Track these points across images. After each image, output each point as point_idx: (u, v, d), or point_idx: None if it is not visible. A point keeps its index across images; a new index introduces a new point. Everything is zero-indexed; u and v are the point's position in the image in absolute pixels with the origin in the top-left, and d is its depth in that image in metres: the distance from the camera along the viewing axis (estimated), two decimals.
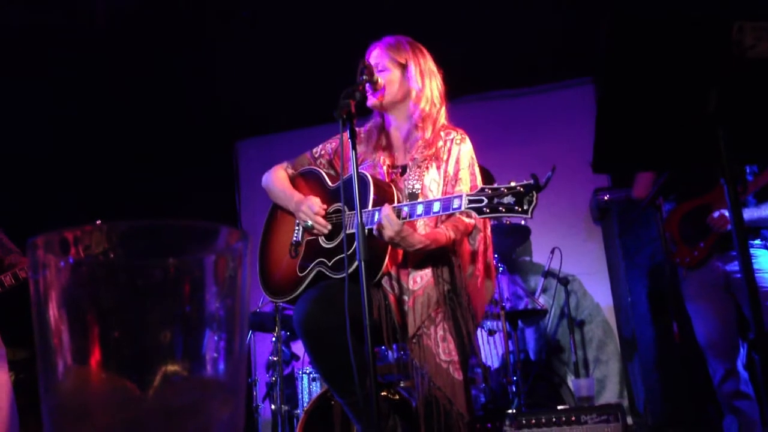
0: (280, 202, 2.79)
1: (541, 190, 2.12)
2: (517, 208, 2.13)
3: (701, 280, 3.56)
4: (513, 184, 2.17)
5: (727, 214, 3.41)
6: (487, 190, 2.19)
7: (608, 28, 1.72)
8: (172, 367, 0.63)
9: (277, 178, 2.82)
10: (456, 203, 2.25)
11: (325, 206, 2.62)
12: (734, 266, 3.46)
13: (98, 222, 0.65)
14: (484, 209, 2.18)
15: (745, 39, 1.68)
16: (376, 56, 2.67)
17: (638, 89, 1.78)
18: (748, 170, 3.53)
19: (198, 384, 0.64)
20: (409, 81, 2.66)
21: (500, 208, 2.15)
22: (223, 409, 0.65)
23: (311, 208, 2.59)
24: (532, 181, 2.14)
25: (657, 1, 2.72)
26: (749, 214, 3.39)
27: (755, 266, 3.40)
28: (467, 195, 2.23)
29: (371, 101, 2.69)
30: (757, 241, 3.48)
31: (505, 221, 4.84)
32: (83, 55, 4.74)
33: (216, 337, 0.66)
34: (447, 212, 2.31)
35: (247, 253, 0.71)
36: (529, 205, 2.13)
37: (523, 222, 2.12)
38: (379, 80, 2.63)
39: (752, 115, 1.78)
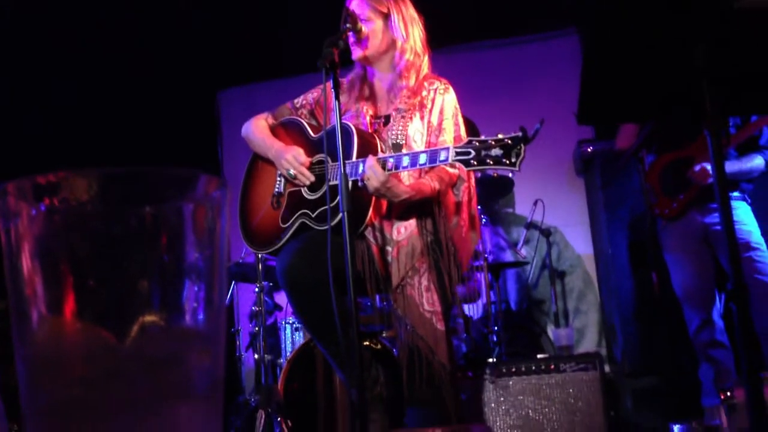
0: (260, 151, 2.75)
1: (529, 143, 2.11)
2: (504, 160, 2.12)
3: (679, 231, 3.60)
4: (501, 136, 2.16)
5: (708, 167, 3.42)
6: (474, 142, 2.18)
7: None
8: (149, 317, 0.62)
9: (258, 127, 2.78)
10: (443, 155, 2.24)
11: (309, 158, 2.59)
12: (712, 218, 3.49)
13: (73, 168, 0.63)
14: (472, 161, 2.17)
15: None
16: (356, 6, 2.61)
17: (624, 40, 1.76)
18: (731, 123, 3.53)
19: (176, 334, 0.63)
20: (393, 31, 2.62)
21: (488, 161, 2.14)
22: (202, 359, 0.64)
23: (297, 158, 2.56)
24: (520, 134, 2.12)
25: None
26: (730, 166, 3.41)
27: (734, 218, 3.43)
28: (454, 147, 2.22)
29: (356, 54, 2.64)
30: (736, 193, 3.50)
31: (492, 173, 4.83)
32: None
33: (195, 287, 0.65)
34: (433, 164, 2.30)
35: (226, 202, 0.69)
36: (517, 157, 2.12)
37: (510, 174, 2.12)
38: (363, 28, 2.58)
39: (738, 67, 1.77)
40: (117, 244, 0.61)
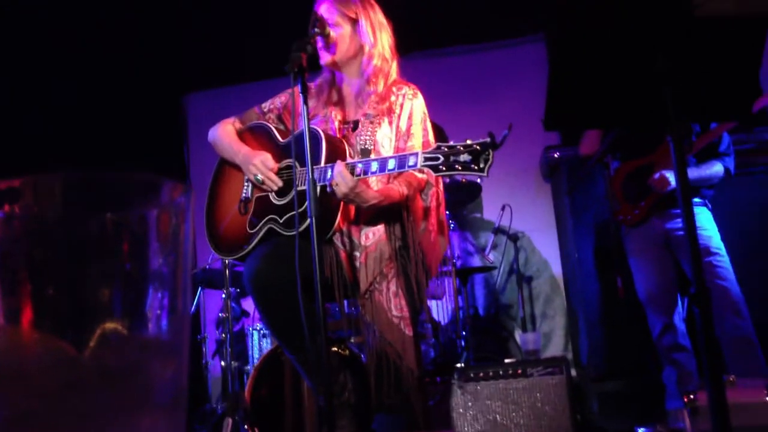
0: (227, 156, 2.72)
1: (498, 149, 2.12)
2: (473, 166, 2.13)
3: (642, 236, 3.65)
4: (469, 142, 2.16)
5: (667, 175, 3.47)
6: (443, 147, 2.18)
7: None
8: (110, 326, 0.61)
9: (225, 132, 2.75)
10: (412, 161, 2.23)
11: (276, 163, 2.58)
12: (673, 224, 3.55)
13: (32, 174, 0.62)
14: (440, 167, 2.17)
15: None
16: (325, 11, 2.61)
17: (588, 47, 1.78)
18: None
19: (138, 343, 0.61)
20: (361, 36, 2.61)
21: (456, 166, 2.15)
22: (164, 369, 0.63)
23: (264, 163, 2.54)
24: (488, 140, 2.13)
25: None
26: (690, 173, 3.44)
27: (698, 224, 3.49)
28: (423, 153, 2.21)
29: (324, 59, 2.64)
30: (697, 199, 3.56)
31: (460, 179, 4.86)
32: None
33: (158, 295, 0.64)
34: (402, 170, 2.29)
35: (190, 208, 0.68)
36: (485, 163, 2.12)
37: (479, 180, 2.12)
38: (331, 33, 2.57)
39: (698, 74, 1.80)
40: (78, 251, 0.60)
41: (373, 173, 2.34)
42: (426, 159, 2.20)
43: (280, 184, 2.54)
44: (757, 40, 1.75)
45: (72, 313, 0.60)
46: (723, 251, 3.46)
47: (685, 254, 3.39)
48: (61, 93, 5.48)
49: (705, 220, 3.54)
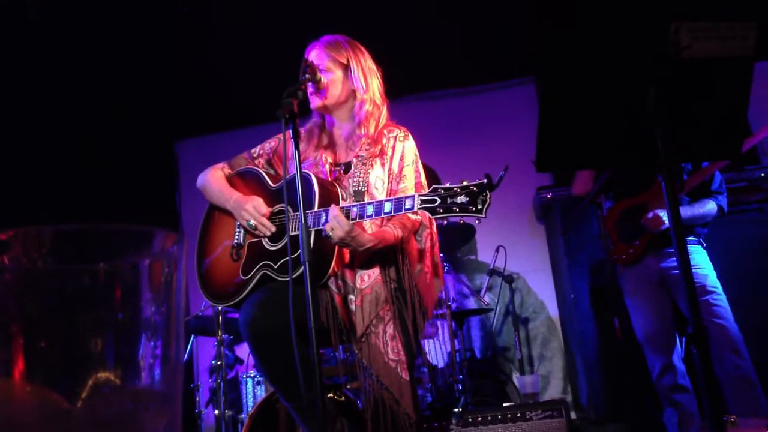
0: (217, 201, 2.72)
1: (494, 189, 2.12)
2: (471, 207, 2.12)
3: (637, 276, 3.64)
4: (466, 183, 2.16)
5: (660, 214, 3.49)
6: (440, 189, 2.18)
7: (549, 29, 1.73)
8: (103, 377, 0.60)
9: (214, 178, 2.75)
10: (408, 203, 2.23)
11: (269, 208, 2.57)
12: (669, 263, 3.55)
13: (25, 226, 0.61)
14: (438, 209, 2.17)
15: (681, 39, 1.72)
16: (315, 57, 2.63)
17: (579, 89, 1.81)
18: (683, 169, 3.62)
19: (131, 394, 0.60)
20: (352, 81, 2.64)
21: (454, 208, 2.14)
22: (158, 420, 0.62)
23: (257, 209, 2.53)
24: (485, 181, 2.13)
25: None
26: (683, 212, 3.48)
27: (691, 262, 3.49)
28: (419, 195, 2.21)
29: (315, 103, 2.66)
30: (691, 238, 3.57)
31: (458, 221, 4.87)
32: (14, 46, 4.57)
33: (150, 345, 0.64)
34: (399, 213, 2.29)
35: (183, 257, 0.68)
36: (483, 204, 2.12)
37: (477, 222, 2.10)
38: (322, 79, 2.60)
39: (688, 113, 1.82)
40: (70, 302, 0.59)
41: (369, 217, 2.34)
42: (423, 201, 2.20)
43: (273, 229, 2.53)
44: (744, 80, 1.78)
45: (64, 365, 0.59)
46: (720, 290, 3.45)
47: (682, 293, 3.39)
48: (53, 141, 5.50)
49: (700, 259, 3.54)
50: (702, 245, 3.61)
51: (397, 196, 2.39)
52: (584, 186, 3.87)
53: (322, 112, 2.73)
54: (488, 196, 2.12)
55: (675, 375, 3.48)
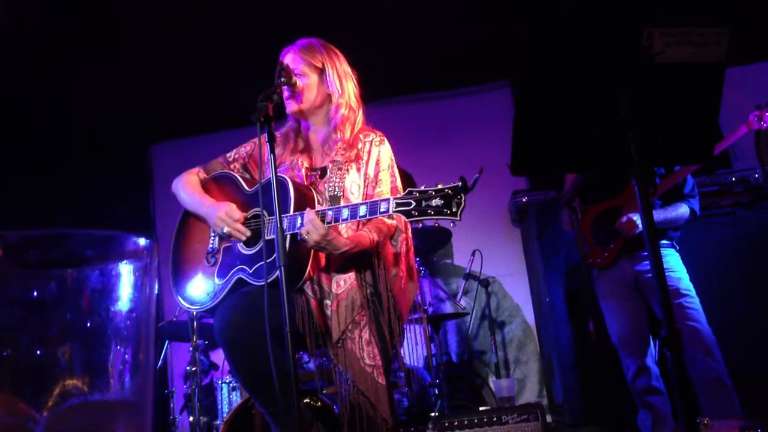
0: (190, 208, 2.70)
1: (469, 192, 2.12)
2: (445, 210, 2.12)
3: (612, 279, 3.67)
4: (441, 186, 2.16)
5: (634, 218, 3.52)
6: (414, 192, 2.18)
7: (525, 34, 1.74)
8: (70, 386, 0.58)
9: (188, 183, 2.72)
10: (383, 207, 2.23)
11: (243, 213, 2.55)
12: (643, 266, 3.58)
13: None
14: (413, 212, 2.17)
15: (654, 45, 1.73)
16: (290, 61, 2.62)
17: (553, 94, 1.82)
18: (656, 172, 3.65)
19: (99, 403, 0.59)
20: (328, 85, 2.63)
21: (429, 211, 2.14)
22: (128, 429, 0.61)
23: (230, 215, 2.51)
24: (459, 183, 2.13)
25: (573, 5, 2.79)
26: (656, 215, 3.51)
27: (664, 266, 3.52)
28: (395, 198, 2.21)
29: (291, 108, 2.64)
30: (665, 241, 3.60)
31: (433, 223, 4.87)
32: None
33: (120, 352, 0.62)
34: (374, 216, 2.28)
35: (153, 261, 0.66)
36: (458, 207, 2.12)
37: (451, 225, 2.10)
38: (298, 82, 2.59)
39: (660, 118, 1.84)
40: (36, 309, 0.58)
41: (344, 220, 2.32)
42: (398, 205, 2.19)
43: (248, 234, 2.51)
44: (716, 85, 1.80)
45: (30, 374, 0.58)
46: (693, 292, 3.49)
47: (655, 296, 3.42)
48: (24, 145, 5.43)
49: (673, 262, 3.58)
50: (675, 248, 3.65)
51: (373, 199, 2.39)
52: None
53: (297, 117, 2.71)
54: (463, 199, 2.12)
55: (649, 377, 3.51)
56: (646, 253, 3.49)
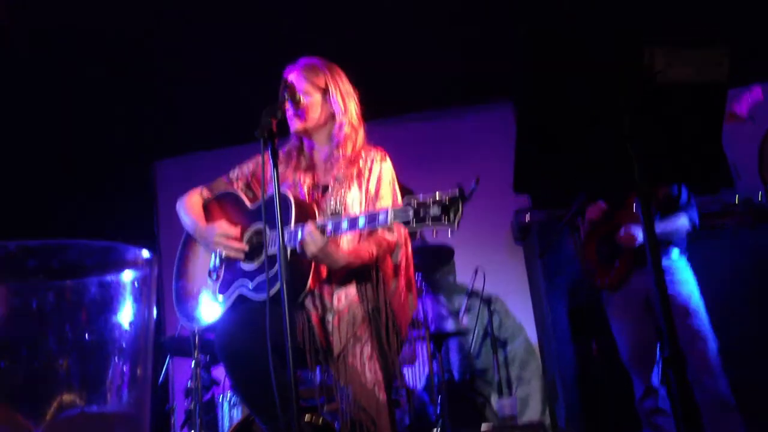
0: (190, 231, 2.75)
1: (467, 201, 2.12)
2: (443, 218, 2.12)
3: (622, 299, 3.62)
4: (438, 195, 2.16)
5: (632, 229, 3.49)
6: (413, 202, 2.18)
7: (525, 50, 1.75)
8: (68, 398, 0.58)
9: (189, 205, 2.76)
10: (382, 217, 2.23)
11: (239, 228, 2.57)
12: (650, 281, 3.53)
13: None
14: (411, 221, 2.17)
15: (655, 64, 1.74)
16: (294, 80, 2.63)
17: (556, 112, 1.82)
18: None
19: (97, 417, 0.59)
20: (331, 104, 2.65)
21: (426, 220, 2.14)
22: None
23: (225, 233, 2.54)
24: (457, 192, 2.13)
25: (574, 21, 2.79)
26: (661, 226, 3.49)
27: (679, 277, 3.49)
28: (393, 209, 2.21)
29: (295, 126, 2.66)
30: (676, 251, 3.56)
31: (431, 237, 4.87)
32: None
33: (118, 364, 0.62)
34: (372, 225, 2.28)
35: (153, 274, 0.66)
36: (455, 215, 2.12)
37: (449, 233, 2.09)
38: (302, 99, 2.60)
39: (663, 136, 1.84)
40: (34, 320, 0.58)
41: (343, 231, 2.33)
42: (396, 214, 2.19)
43: (245, 248, 2.52)
44: (718, 104, 1.80)
45: (28, 385, 0.58)
46: (702, 310, 3.45)
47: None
48: (31, 160, 5.45)
49: (686, 275, 3.53)
50: (686, 257, 3.60)
51: (371, 210, 2.39)
52: (597, 212, 3.81)
53: (301, 135, 2.73)
54: (460, 208, 2.12)
55: (656, 399, 3.47)
56: (650, 268, 3.45)
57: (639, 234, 3.44)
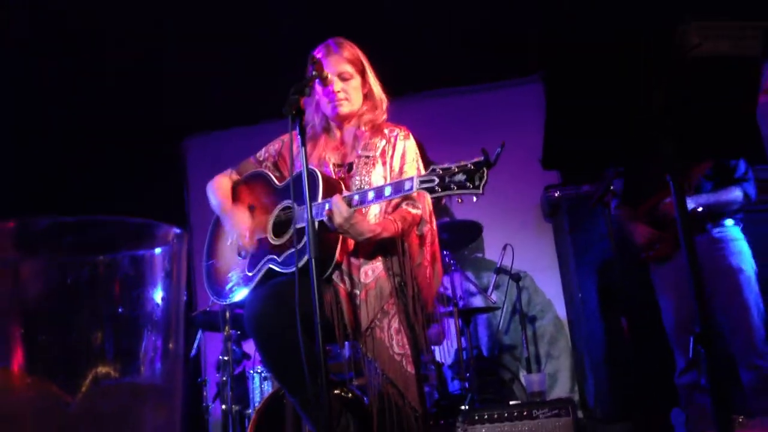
0: (216, 211, 2.82)
1: (492, 167, 2.11)
2: (468, 185, 2.11)
3: (670, 270, 3.55)
4: (463, 162, 2.15)
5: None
6: (438, 169, 2.17)
7: (555, 26, 1.73)
8: (102, 370, 0.60)
9: (218, 186, 2.83)
10: (407, 185, 2.23)
11: (274, 206, 2.59)
12: (701, 251, 3.43)
13: (22, 218, 0.61)
14: (436, 188, 2.16)
15: (690, 38, 1.71)
16: (334, 63, 2.63)
17: (586, 87, 1.80)
18: None
19: (130, 388, 0.60)
20: (369, 86, 2.67)
21: (452, 186, 2.13)
22: (157, 414, 0.62)
23: (242, 225, 2.64)
24: (482, 158, 2.12)
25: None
26: (706, 198, 3.44)
27: (732, 248, 3.43)
28: (418, 177, 2.21)
29: (338, 111, 2.65)
30: (730, 221, 3.49)
31: (460, 213, 4.87)
32: (23, 38, 4.59)
33: (151, 338, 0.64)
34: (399, 194, 2.28)
35: (183, 250, 0.68)
36: (480, 181, 2.10)
37: (474, 199, 2.07)
38: (329, 76, 2.60)
39: (695, 112, 1.81)
40: (69, 294, 0.59)
41: (369, 202, 2.34)
42: (421, 182, 2.19)
43: (249, 248, 2.58)
44: (752, 79, 1.77)
45: (63, 358, 0.59)
46: (753, 285, 3.39)
47: (716, 283, 3.36)
48: (62, 137, 5.53)
49: (741, 246, 3.47)
50: (740, 228, 3.53)
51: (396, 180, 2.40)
52: (644, 235, 3.75)
53: (338, 120, 2.73)
54: (485, 173, 2.10)
55: (696, 374, 3.43)
56: (703, 238, 3.41)
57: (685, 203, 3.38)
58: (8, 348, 0.58)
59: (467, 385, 4.40)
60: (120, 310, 0.61)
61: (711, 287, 3.40)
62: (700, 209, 3.43)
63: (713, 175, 3.54)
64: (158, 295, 0.64)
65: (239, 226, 2.63)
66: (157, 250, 0.64)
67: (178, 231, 0.65)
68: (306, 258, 2.17)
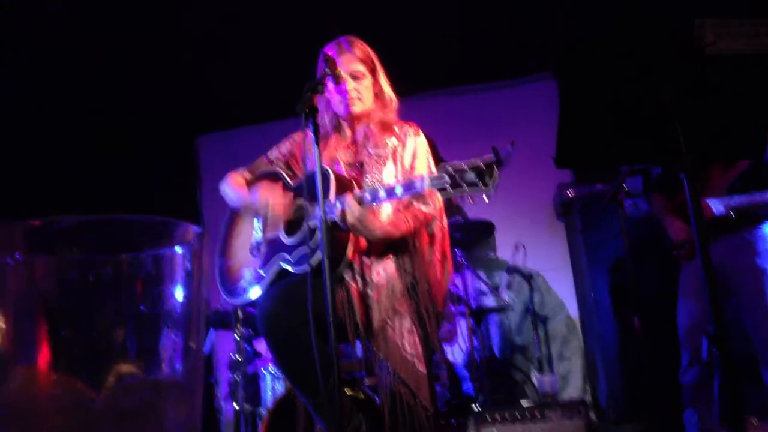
0: (238, 203, 2.78)
1: (503, 165, 2.11)
2: (479, 183, 2.11)
3: (695, 272, 3.52)
4: (474, 160, 2.15)
5: (708, 201, 3.39)
6: (448, 168, 2.17)
7: (568, 23, 1.72)
8: (125, 367, 0.61)
9: (233, 181, 2.81)
10: (418, 184, 2.23)
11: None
12: (727, 252, 3.40)
13: (47, 216, 0.62)
14: (447, 187, 2.16)
15: (705, 35, 1.70)
16: (346, 62, 2.64)
17: (599, 85, 1.79)
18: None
19: (152, 384, 0.61)
20: (380, 86, 2.67)
21: (463, 185, 2.13)
22: (178, 410, 0.63)
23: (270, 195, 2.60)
24: (493, 156, 2.12)
25: None
26: (738, 199, 3.39)
27: (761, 249, 3.38)
28: (429, 175, 2.21)
29: (350, 111, 2.66)
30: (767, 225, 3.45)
31: (472, 212, 4.86)
32: (38, 39, 4.62)
33: (172, 335, 0.64)
34: (410, 193, 2.28)
35: (203, 249, 0.68)
36: (491, 179, 2.10)
37: (485, 198, 2.06)
38: (342, 74, 2.60)
39: (710, 110, 1.81)
40: (92, 292, 0.60)
41: (381, 200, 2.34)
42: (432, 180, 2.19)
43: (289, 213, 2.55)
44: None
45: (87, 355, 0.60)
46: None
47: (740, 284, 3.32)
48: (77, 135, 5.56)
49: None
50: None
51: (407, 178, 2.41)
52: (681, 230, 3.72)
53: (350, 119, 2.73)
54: (496, 172, 2.10)
55: (701, 372, 3.40)
56: (735, 239, 3.37)
57: (715, 205, 3.35)
58: (34, 346, 0.58)
59: (478, 386, 4.39)
60: (142, 307, 0.62)
61: (735, 285, 3.36)
62: (732, 214, 3.37)
63: (747, 177, 3.48)
64: (179, 293, 0.65)
65: (268, 200, 2.59)
66: (178, 249, 0.64)
67: (198, 230, 0.66)
68: (318, 256, 2.18)
